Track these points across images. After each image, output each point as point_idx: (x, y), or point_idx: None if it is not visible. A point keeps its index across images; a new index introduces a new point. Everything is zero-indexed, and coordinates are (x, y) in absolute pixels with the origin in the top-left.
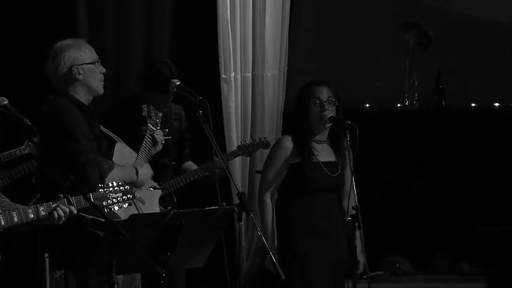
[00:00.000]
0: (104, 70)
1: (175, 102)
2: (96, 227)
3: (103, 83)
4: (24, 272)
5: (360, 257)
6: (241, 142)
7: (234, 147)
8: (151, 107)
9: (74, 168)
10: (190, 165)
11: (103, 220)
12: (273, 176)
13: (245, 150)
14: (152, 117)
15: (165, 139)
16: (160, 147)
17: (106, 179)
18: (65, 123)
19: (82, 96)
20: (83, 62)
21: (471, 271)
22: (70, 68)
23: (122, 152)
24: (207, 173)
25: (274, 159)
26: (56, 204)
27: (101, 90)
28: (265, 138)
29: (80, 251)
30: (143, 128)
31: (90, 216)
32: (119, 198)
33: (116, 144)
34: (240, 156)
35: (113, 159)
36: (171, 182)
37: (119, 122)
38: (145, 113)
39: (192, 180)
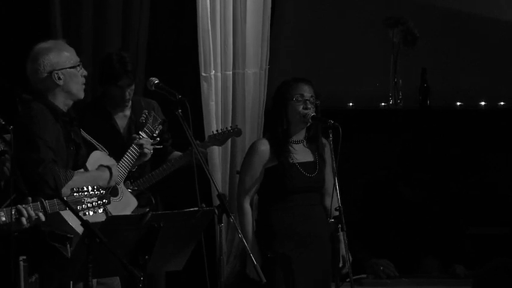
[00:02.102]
0: (85, 73)
1: (150, 96)
2: (54, 240)
3: (84, 86)
4: None
5: (344, 255)
6: (212, 132)
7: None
8: (152, 113)
9: (30, 177)
10: (176, 155)
11: (61, 234)
12: (251, 181)
13: (216, 139)
14: (148, 125)
15: (156, 148)
16: (147, 157)
17: (65, 188)
18: (30, 129)
19: (61, 101)
20: (64, 67)
21: (466, 275)
22: (50, 73)
23: (97, 160)
24: (187, 159)
25: (250, 164)
26: (24, 207)
27: (81, 95)
28: (236, 125)
29: (43, 261)
30: (133, 135)
31: (48, 229)
32: (94, 203)
33: (94, 152)
34: (220, 157)
35: (87, 166)
36: (143, 179)
37: (87, 123)
38: (142, 119)
39: (166, 173)
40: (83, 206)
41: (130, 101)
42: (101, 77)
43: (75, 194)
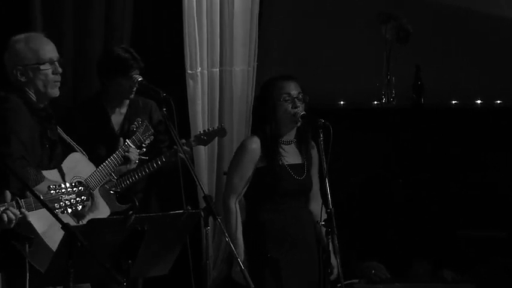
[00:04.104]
0: (59, 70)
1: (145, 96)
2: (11, 237)
3: (57, 83)
4: None
5: (334, 262)
6: (198, 131)
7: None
8: (145, 123)
9: None
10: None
11: (21, 233)
12: (240, 180)
13: (201, 139)
14: (138, 134)
15: (142, 159)
16: (132, 166)
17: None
18: (4, 122)
19: (33, 96)
20: (26, 63)
21: (454, 279)
22: (13, 69)
23: (75, 162)
24: (172, 157)
25: (239, 162)
26: (4, 207)
27: (53, 93)
28: (222, 125)
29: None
30: (121, 140)
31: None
32: (72, 201)
33: (72, 153)
34: (206, 158)
35: (63, 167)
36: (124, 178)
37: (79, 123)
38: (133, 127)
39: (148, 173)
40: (61, 203)
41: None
42: (108, 71)
43: (52, 191)
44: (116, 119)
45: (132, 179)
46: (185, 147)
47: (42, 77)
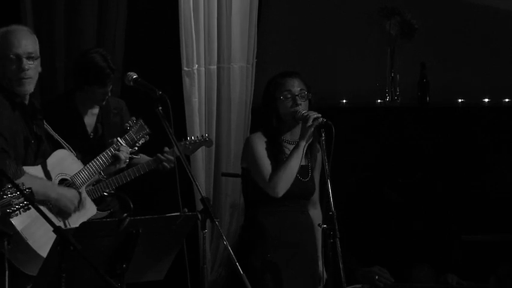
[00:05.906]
0: (23, 68)
1: (120, 96)
2: None
3: (24, 81)
4: None
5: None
6: (183, 140)
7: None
8: (140, 122)
9: None
10: (142, 158)
11: None
12: (268, 164)
13: (186, 148)
14: (131, 133)
15: (134, 158)
16: (122, 165)
17: None
18: None
19: (9, 91)
20: None
21: (459, 283)
22: None
23: (61, 159)
24: (155, 166)
25: (256, 151)
26: None
27: (21, 91)
28: (207, 135)
29: None
30: (110, 140)
31: None
32: (21, 204)
33: (58, 150)
34: (203, 158)
35: (47, 162)
36: (104, 182)
37: (54, 120)
38: (126, 126)
39: (137, 175)
40: (13, 208)
41: None
42: (85, 77)
43: (4, 196)
44: (89, 120)
45: (112, 184)
46: (169, 156)
47: (7, 73)
